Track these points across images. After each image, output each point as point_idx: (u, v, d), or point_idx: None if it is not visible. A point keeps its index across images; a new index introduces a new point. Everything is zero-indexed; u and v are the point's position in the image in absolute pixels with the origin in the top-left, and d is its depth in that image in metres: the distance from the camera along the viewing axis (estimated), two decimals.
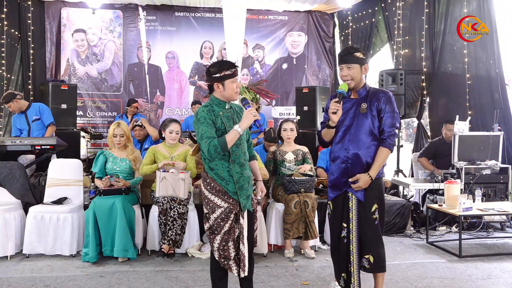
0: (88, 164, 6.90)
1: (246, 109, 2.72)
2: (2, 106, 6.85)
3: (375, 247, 2.93)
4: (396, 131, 2.98)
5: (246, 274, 2.72)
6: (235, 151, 2.73)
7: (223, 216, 2.71)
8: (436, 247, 4.59)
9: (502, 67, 5.70)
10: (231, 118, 2.77)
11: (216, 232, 2.72)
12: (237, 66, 2.81)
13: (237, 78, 2.77)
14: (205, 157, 2.73)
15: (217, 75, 2.73)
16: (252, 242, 2.85)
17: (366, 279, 3.46)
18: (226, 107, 2.80)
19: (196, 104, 7.61)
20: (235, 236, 2.73)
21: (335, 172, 3.01)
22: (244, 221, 2.74)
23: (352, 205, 2.97)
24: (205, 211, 2.78)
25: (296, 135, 4.64)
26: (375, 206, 2.94)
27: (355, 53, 2.93)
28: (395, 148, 6.81)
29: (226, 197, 2.72)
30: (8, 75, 7.50)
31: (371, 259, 2.93)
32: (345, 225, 2.98)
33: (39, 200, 4.46)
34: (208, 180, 2.76)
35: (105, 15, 8.76)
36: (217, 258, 2.74)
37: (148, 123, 6.08)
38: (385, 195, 5.48)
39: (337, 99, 2.88)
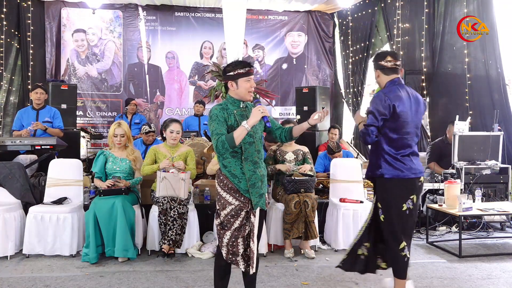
0: (88, 164, 6.90)
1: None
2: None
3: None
4: (370, 128, 2.98)
5: (254, 270, 2.73)
6: (248, 149, 2.74)
7: (233, 213, 2.73)
8: (436, 247, 4.58)
9: (502, 67, 5.70)
10: (245, 116, 2.77)
11: (226, 227, 2.74)
12: (252, 66, 2.82)
13: (251, 77, 2.78)
14: (219, 155, 2.76)
15: (231, 73, 2.77)
16: (259, 240, 2.86)
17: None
18: (241, 106, 2.81)
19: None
20: (245, 234, 2.74)
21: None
22: (255, 219, 2.75)
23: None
24: (217, 207, 2.81)
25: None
26: (379, 204, 3.06)
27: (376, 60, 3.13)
28: None
29: (237, 195, 2.74)
30: (8, 75, 7.50)
31: None
32: None
33: (39, 200, 4.46)
34: (221, 177, 2.79)
35: (105, 15, 8.77)
36: (224, 254, 2.75)
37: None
38: None
39: None
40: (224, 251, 2.74)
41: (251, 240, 2.73)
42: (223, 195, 2.76)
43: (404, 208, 2.97)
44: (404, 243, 2.96)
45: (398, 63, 3.08)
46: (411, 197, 2.99)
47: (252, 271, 2.72)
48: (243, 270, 2.76)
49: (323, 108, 2.97)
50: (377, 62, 3.11)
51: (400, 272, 2.99)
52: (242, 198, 2.73)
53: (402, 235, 2.98)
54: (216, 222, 2.80)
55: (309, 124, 2.89)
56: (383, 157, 3.00)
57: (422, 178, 3.06)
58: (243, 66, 2.77)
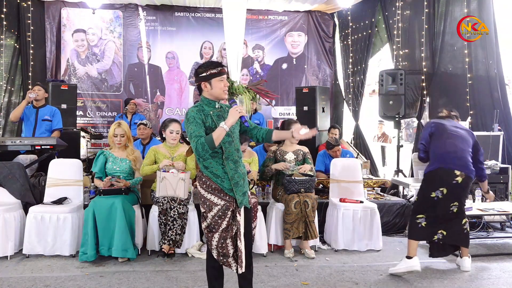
0: (88, 164, 6.90)
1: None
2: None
3: None
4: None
5: (243, 270, 2.73)
6: (227, 148, 2.75)
7: (220, 213, 2.73)
8: None
9: (502, 67, 5.69)
10: (221, 117, 2.79)
11: (214, 230, 2.74)
12: (224, 66, 2.84)
13: (224, 77, 2.79)
14: (199, 157, 2.75)
15: (204, 74, 2.77)
16: (250, 240, 2.86)
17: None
18: (216, 106, 2.82)
19: None
20: (233, 233, 2.75)
21: None
22: (241, 218, 2.77)
23: None
24: (202, 210, 2.80)
25: None
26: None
27: None
28: (395, 148, 6.84)
29: (222, 194, 2.74)
30: (8, 75, 7.50)
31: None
32: None
33: (39, 200, 4.45)
34: (203, 179, 2.78)
35: (105, 15, 8.77)
36: (215, 256, 2.75)
37: None
38: (385, 195, 5.50)
39: None
40: (215, 253, 2.75)
41: (238, 239, 2.73)
42: (207, 197, 2.76)
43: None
44: (422, 215, 3.76)
45: (453, 113, 4.09)
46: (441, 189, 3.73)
47: (240, 270, 2.72)
48: (234, 271, 2.76)
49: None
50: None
51: (411, 233, 3.80)
52: (227, 197, 2.74)
53: (423, 211, 3.76)
54: (203, 225, 2.79)
55: (292, 137, 2.89)
56: None
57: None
58: (215, 66, 2.78)
